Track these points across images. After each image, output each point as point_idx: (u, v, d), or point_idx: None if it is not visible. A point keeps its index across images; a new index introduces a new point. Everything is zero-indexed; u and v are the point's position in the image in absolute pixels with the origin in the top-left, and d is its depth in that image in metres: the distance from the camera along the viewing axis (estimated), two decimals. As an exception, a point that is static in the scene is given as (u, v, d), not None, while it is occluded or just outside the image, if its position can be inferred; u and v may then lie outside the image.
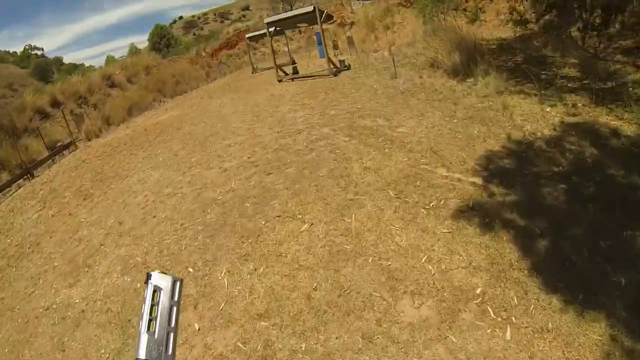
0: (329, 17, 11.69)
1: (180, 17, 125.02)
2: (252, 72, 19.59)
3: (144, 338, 0.56)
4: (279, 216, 4.52)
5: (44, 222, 6.67)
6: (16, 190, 9.29)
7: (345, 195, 4.60)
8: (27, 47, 73.48)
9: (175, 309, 0.62)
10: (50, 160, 11.58)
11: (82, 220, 6.22)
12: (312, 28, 31.73)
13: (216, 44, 34.28)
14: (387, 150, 5.58)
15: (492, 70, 7.75)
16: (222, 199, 5.30)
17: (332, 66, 11.33)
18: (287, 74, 12.81)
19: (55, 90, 15.89)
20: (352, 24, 27.04)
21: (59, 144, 13.08)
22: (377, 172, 5.00)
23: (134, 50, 46.80)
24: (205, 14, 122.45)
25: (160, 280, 0.63)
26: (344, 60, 12.18)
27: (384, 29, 17.30)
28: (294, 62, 19.16)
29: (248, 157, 6.54)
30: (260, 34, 19.78)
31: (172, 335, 0.59)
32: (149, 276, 0.62)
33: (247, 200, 5.08)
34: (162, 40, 50.41)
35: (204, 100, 12.89)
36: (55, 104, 15.60)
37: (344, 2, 30.83)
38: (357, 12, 29.88)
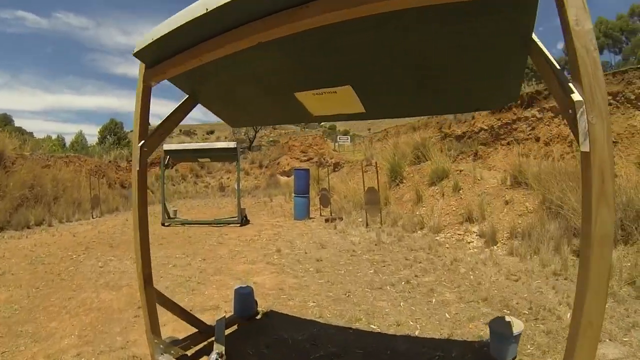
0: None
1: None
2: (163, 223, 9.70)
3: None
4: None
5: None
6: None
7: None
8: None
9: None
10: None
11: None
12: (279, 162, 23.78)
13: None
14: None
15: None
16: None
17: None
18: (199, 327, 2.82)
19: None
20: (337, 166, 19.36)
21: None
22: None
23: (79, 138, 36.72)
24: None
25: None
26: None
27: (428, 182, 8.79)
28: (245, 219, 9.64)
29: None
30: (200, 149, 10.64)
31: None
32: None
33: None
34: (113, 137, 42.09)
35: None
36: None
37: (322, 136, 23.78)
38: (340, 151, 22.72)
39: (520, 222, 6.04)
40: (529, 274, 4.42)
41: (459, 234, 6.42)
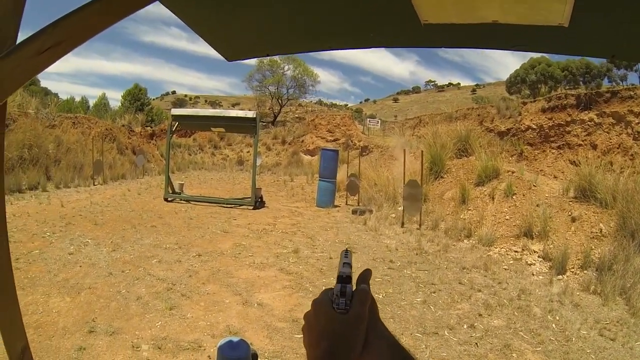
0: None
1: (174, 92, 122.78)
2: (166, 198, 8.93)
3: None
4: None
5: None
6: None
7: None
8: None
9: None
10: None
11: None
12: (303, 140, 22.45)
13: (165, 124, 23.90)
14: None
15: None
16: None
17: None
18: None
19: None
20: (365, 150, 18.19)
21: None
22: None
23: (102, 101, 36.61)
24: (197, 97, 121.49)
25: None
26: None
27: (475, 180, 7.70)
28: (259, 201, 8.76)
29: None
30: (213, 117, 9.70)
31: None
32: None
33: None
34: (136, 103, 42.03)
35: None
36: None
37: (351, 116, 22.44)
38: (369, 135, 21.44)
39: (593, 247, 4.96)
40: (623, 328, 3.40)
41: (515, 251, 5.38)
